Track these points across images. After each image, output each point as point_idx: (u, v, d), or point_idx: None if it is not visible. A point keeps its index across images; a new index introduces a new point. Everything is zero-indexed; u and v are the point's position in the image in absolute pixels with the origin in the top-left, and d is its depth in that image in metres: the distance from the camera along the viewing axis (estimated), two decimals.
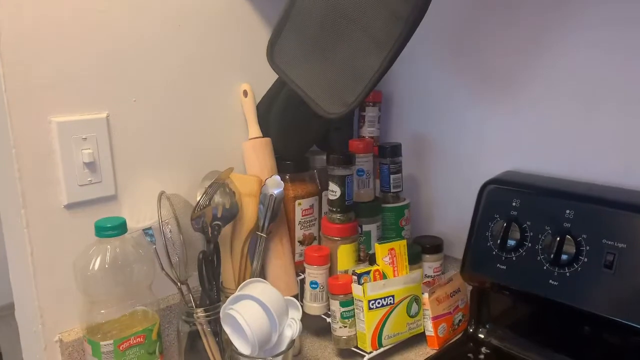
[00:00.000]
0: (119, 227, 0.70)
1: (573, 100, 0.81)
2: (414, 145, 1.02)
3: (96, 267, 0.69)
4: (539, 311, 0.82)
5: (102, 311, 0.71)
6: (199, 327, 0.76)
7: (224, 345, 0.77)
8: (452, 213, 0.99)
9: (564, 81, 0.81)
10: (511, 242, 0.79)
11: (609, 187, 0.78)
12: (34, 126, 0.69)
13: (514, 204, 0.80)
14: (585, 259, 0.72)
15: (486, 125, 0.92)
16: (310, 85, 0.71)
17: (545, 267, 0.75)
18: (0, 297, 1.74)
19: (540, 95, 0.84)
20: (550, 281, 0.74)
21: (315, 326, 0.92)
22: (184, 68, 0.82)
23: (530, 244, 0.77)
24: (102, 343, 0.69)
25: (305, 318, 0.86)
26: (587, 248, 0.72)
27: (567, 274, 0.73)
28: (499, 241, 0.79)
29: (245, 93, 0.89)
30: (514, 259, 0.79)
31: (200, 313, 0.75)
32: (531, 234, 0.77)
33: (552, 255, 0.74)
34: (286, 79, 0.73)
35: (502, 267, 0.80)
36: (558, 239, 0.73)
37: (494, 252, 0.81)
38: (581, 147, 0.81)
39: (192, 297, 0.77)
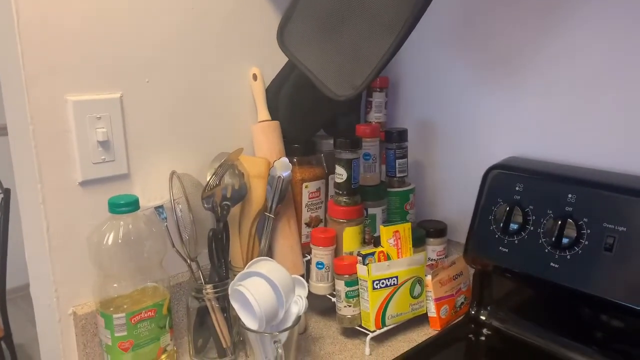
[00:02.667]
0: (132, 204, 0.72)
1: (576, 87, 0.82)
2: (420, 130, 1.04)
3: (110, 242, 0.71)
4: (540, 294, 0.83)
5: (115, 285, 0.73)
6: (208, 303, 0.78)
7: (232, 321, 0.79)
8: (456, 198, 1.01)
9: (569, 68, 0.83)
10: (513, 226, 0.80)
11: (610, 171, 0.79)
12: (50, 104, 0.71)
13: (517, 188, 0.81)
14: (586, 242, 0.73)
15: (491, 111, 0.93)
16: (319, 67, 0.72)
17: (546, 250, 0.77)
18: (9, 280, 1.79)
19: (545, 82, 0.86)
20: (552, 264, 0.76)
21: (320, 306, 0.94)
22: (195, 51, 0.84)
23: (532, 228, 0.79)
24: (114, 316, 0.72)
25: (311, 298, 0.87)
26: (588, 231, 0.73)
27: (568, 257, 0.75)
28: (501, 225, 0.81)
29: (254, 77, 0.90)
30: (516, 242, 0.80)
31: (209, 289, 0.78)
32: (533, 217, 0.79)
33: (553, 239, 0.75)
34: (296, 61, 0.74)
35: (504, 250, 0.81)
36: (559, 222, 0.75)
37: (496, 236, 0.82)
38: (583, 133, 0.83)
39: (202, 274, 0.79)
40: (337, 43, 0.71)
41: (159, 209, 0.77)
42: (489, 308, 0.89)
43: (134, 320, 0.73)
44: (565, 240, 0.75)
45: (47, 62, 0.70)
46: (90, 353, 0.77)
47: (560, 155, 0.86)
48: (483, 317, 0.89)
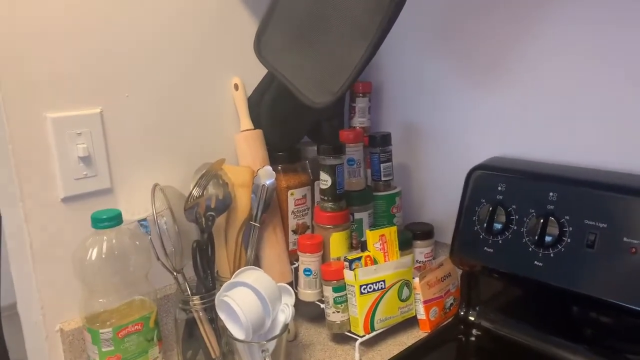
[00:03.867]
0: (115, 219, 0.72)
1: (557, 88, 0.83)
2: (405, 134, 1.04)
3: (93, 257, 0.71)
4: (526, 292, 0.84)
5: (101, 300, 0.73)
6: (195, 315, 0.78)
7: (220, 331, 0.79)
8: (442, 199, 1.01)
9: (550, 67, 0.83)
10: (497, 226, 0.81)
11: (591, 169, 0.80)
12: (29, 122, 0.71)
13: (499, 188, 0.82)
14: (569, 240, 0.74)
15: (475, 112, 0.93)
16: (296, 76, 0.73)
17: (530, 249, 0.77)
18: (6, 297, 1.78)
19: (526, 83, 0.86)
20: (536, 262, 0.76)
21: (310, 313, 0.94)
22: (175, 63, 0.84)
23: (515, 227, 0.79)
24: (101, 331, 0.72)
25: (300, 305, 0.88)
26: (570, 229, 0.74)
27: (552, 255, 0.75)
28: (485, 225, 0.81)
29: (236, 86, 0.91)
30: (500, 242, 0.81)
31: (196, 301, 0.78)
32: (516, 217, 0.79)
33: (536, 237, 0.76)
34: (273, 70, 0.75)
35: (489, 250, 0.82)
36: (542, 221, 0.75)
37: (481, 236, 0.83)
38: (565, 132, 0.83)
39: (188, 285, 0.79)
40: (313, 50, 0.72)
41: (142, 222, 0.77)
42: (477, 309, 0.89)
43: (121, 335, 0.73)
44: (548, 239, 0.75)
45: (25, 79, 0.70)
46: None
47: (542, 155, 0.86)
48: (472, 318, 0.89)
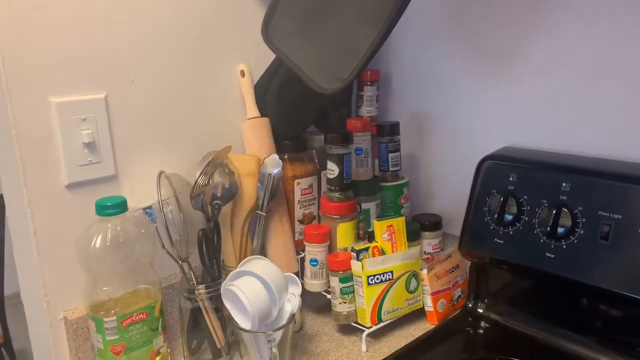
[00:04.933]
0: (119, 206, 0.71)
1: (571, 75, 0.81)
2: (413, 123, 1.03)
3: (97, 244, 0.70)
4: (537, 285, 0.82)
5: (105, 288, 0.72)
6: (201, 304, 0.77)
7: (226, 321, 0.78)
8: (451, 190, 1.00)
9: (563, 54, 0.81)
10: (508, 217, 0.79)
11: (605, 159, 0.78)
12: (33, 107, 0.70)
13: (510, 178, 0.80)
14: (582, 231, 0.72)
15: (484, 101, 0.92)
16: (305, 61, 0.71)
17: (542, 240, 0.76)
18: (9, 286, 1.78)
19: (538, 70, 0.84)
20: (547, 254, 0.75)
21: (316, 303, 0.93)
22: (181, 49, 0.83)
23: (527, 218, 0.78)
24: (105, 319, 0.71)
25: (306, 295, 0.87)
26: (583, 220, 0.72)
27: (564, 247, 0.74)
28: (496, 216, 0.80)
29: (242, 73, 0.89)
30: (511, 233, 0.79)
31: (201, 290, 0.77)
32: (528, 207, 0.78)
33: (548, 228, 0.74)
34: (281, 56, 0.73)
35: (499, 241, 0.80)
36: (554, 211, 0.74)
37: (491, 227, 0.81)
38: (577, 121, 0.81)
39: (194, 274, 0.78)
40: (323, 35, 0.70)
41: (147, 210, 0.75)
42: (486, 301, 0.88)
43: (126, 323, 0.72)
44: (560, 230, 0.74)
45: (29, 64, 0.69)
46: (82, 358, 0.76)
47: (554, 145, 0.84)
48: (480, 310, 0.88)
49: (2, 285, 1.77)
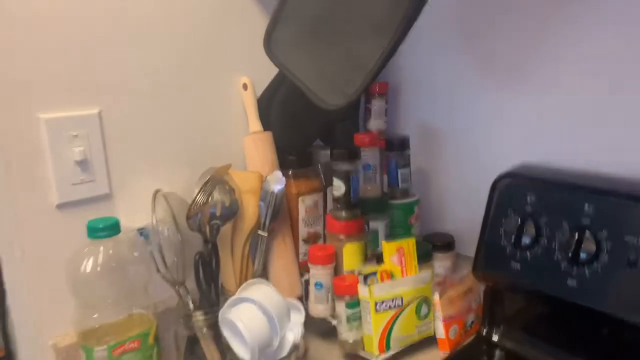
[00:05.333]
0: (112, 228, 0.67)
1: (592, 87, 0.76)
2: (423, 137, 0.98)
3: (88, 269, 0.66)
4: (556, 313, 0.77)
5: (95, 315, 0.68)
6: (198, 332, 0.73)
7: (225, 349, 0.74)
8: (464, 209, 0.95)
9: (583, 64, 0.76)
10: (526, 240, 0.74)
11: (631, 179, 0.73)
12: (21, 124, 0.67)
13: (528, 199, 0.75)
14: (607, 257, 0.67)
15: (500, 115, 0.87)
16: (308, 75, 0.67)
17: (562, 266, 0.71)
18: None
19: (557, 83, 0.80)
20: (569, 281, 0.70)
21: (321, 328, 0.88)
22: (181, 61, 0.79)
23: (546, 241, 0.73)
24: (95, 349, 0.67)
25: (311, 320, 0.83)
26: (609, 245, 0.67)
27: (587, 274, 0.68)
28: (513, 238, 0.75)
29: (245, 86, 0.86)
30: (529, 257, 0.74)
31: (198, 317, 0.73)
32: (547, 230, 0.73)
33: (570, 253, 0.69)
34: (284, 69, 0.69)
35: (516, 265, 0.75)
36: (576, 235, 0.69)
37: (508, 250, 0.76)
38: (601, 138, 0.77)
39: (191, 299, 0.74)
40: (328, 48, 0.66)
41: (142, 231, 0.72)
42: (501, 327, 0.82)
43: (117, 353, 0.68)
44: (583, 255, 0.68)
45: (17, 79, 0.65)
46: None
47: (575, 163, 0.79)
48: (495, 338, 0.82)
49: (4, 297, 1.75)
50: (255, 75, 0.86)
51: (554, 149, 0.82)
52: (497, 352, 0.81)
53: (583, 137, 0.78)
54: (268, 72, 0.85)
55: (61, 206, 0.70)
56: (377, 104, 0.97)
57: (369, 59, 0.62)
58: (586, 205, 0.70)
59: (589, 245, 0.68)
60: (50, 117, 0.68)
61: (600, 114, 0.76)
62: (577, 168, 0.79)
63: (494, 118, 0.88)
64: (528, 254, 0.74)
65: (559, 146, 0.81)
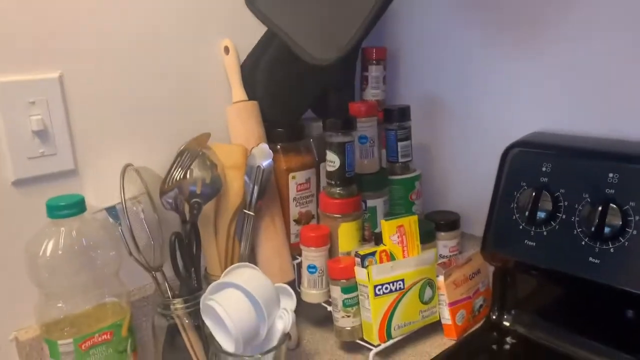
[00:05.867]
0: (75, 206, 0.59)
1: (611, 48, 0.69)
2: (425, 107, 0.91)
3: (47, 253, 0.58)
4: (574, 294, 0.71)
5: (60, 305, 0.60)
6: (178, 321, 0.66)
7: (208, 339, 0.67)
8: (470, 184, 0.89)
9: (601, 22, 0.69)
10: (541, 214, 0.67)
11: None
12: None
13: (544, 169, 0.68)
14: (634, 232, 0.60)
15: (509, 81, 0.80)
16: (296, 28, 0.60)
17: (583, 243, 0.64)
18: None
19: (571, 42, 0.72)
20: (590, 259, 0.63)
21: (315, 315, 0.82)
22: (154, 20, 0.71)
23: (564, 216, 0.66)
24: (59, 342, 0.59)
25: (304, 307, 0.76)
26: (636, 218, 0.60)
27: (611, 250, 0.62)
28: (526, 213, 0.68)
29: (226, 50, 0.78)
30: (545, 233, 0.67)
31: (178, 305, 0.65)
32: (565, 203, 0.66)
33: (592, 228, 0.63)
34: (268, 23, 0.62)
35: (530, 243, 0.69)
36: (600, 208, 0.62)
37: (520, 227, 0.69)
38: (621, 100, 0.69)
39: (169, 286, 0.67)
40: None
41: (110, 210, 0.64)
42: (512, 312, 0.76)
43: (85, 347, 0.60)
44: (607, 230, 0.62)
45: None
46: None
47: (593, 129, 0.72)
48: (506, 323, 0.76)
49: None
50: (238, 37, 0.78)
51: (571, 116, 0.75)
52: (509, 339, 0.74)
53: (602, 102, 0.71)
54: (252, 33, 0.78)
55: (18, 183, 0.63)
56: (374, 72, 0.90)
57: (363, 6, 0.54)
58: (610, 174, 0.63)
59: (614, 219, 0.62)
60: (3, 80, 0.60)
61: (622, 77, 0.69)
62: (597, 134, 0.72)
63: (504, 84, 0.81)
64: (544, 230, 0.68)
65: (575, 112, 0.74)
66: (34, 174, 0.63)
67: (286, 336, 0.63)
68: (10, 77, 0.60)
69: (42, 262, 0.58)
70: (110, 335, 0.62)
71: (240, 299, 0.60)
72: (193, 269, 0.67)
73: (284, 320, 0.63)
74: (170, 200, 0.65)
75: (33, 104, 0.62)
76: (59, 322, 0.61)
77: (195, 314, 0.66)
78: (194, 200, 0.68)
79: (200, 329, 0.66)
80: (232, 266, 0.65)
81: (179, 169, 0.66)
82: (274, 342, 0.62)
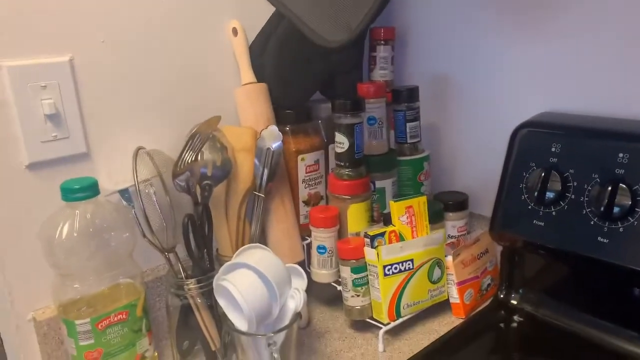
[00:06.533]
0: (89, 189, 0.60)
1: (623, 24, 0.68)
2: (434, 88, 0.90)
3: (63, 235, 0.59)
4: (582, 274, 0.71)
5: (76, 285, 0.62)
6: (191, 301, 0.67)
7: (221, 318, 0.68)
8: (478, 165, 0.88)
9: (610, 1, 0.68)
10: (550, 194, 0.67)
11: None
12: None
13: (553, 149, 0.68)
14: None
15: (518, 60, 0.79)
16: (306, 10, 0.59)
17: (592, 222, 0.64)
18: None
19: (581, 21, 0.71)
20: (599, 238, 0.63)
21: (325, 295, 0.83)
22: (162, 3, 0.71)
23: (573, 196, 0.66)
24: (77, 322, 0.61)
25: (314, 286, 0.77)
26: None
27: (621, 230, 0.62)
28: (535, 193, 0.68)
29: (234, 31, 0.77)
30: (553, 213, 0.67)
31: (191, 285, 0.66)
32: (575, 183, 0.66)
33: (602, 208, 0.63)
34: (278, 5, 0.61)
35: (539, 223, 0.69)
36: (609, 188, 0.62)
37: (529, 207, 0.69)
38: (631, 80, 0.69)
39: (182, 266, 0.68)
40: None
41: (123, 192, 0.65)
42: (520, 291, 0.77)
43: (101, 326, 0.62)
44: (616, 210, 0.62)
45: None
46: None
47: (603, 109, 0.72)
48: (514, 302, 0.77)
49: None
50: (247, 18, 0.78)
51: (580, 96, 0.74)
52: (516, 317, 0.75)
53: (611, 81, 0.70)
54: (261, 14, 0.77)
55: (32, 166, 0.63)
56: (382, 52, 0.89)
57: None
58: (620, 154, 0.63)
59: (624, 199, 0.62)
60: (14, 64, 0.60)
61: (634, 55, 0.68)
62: (606, 114, 0.71)
63: (513, 63, 0.80)
64: (553, 210, 0.68)
65: (585, 92, 0.73)
66: (47, 157, 0.64)
67: (297, 315, 0.64)
68: (21, 61, 0.60)
69: (58, 244, 0.59)
70: (126, 315, 0.64)
71: (252, 279, 0.61)
72: (205, 250, 0.67)
73: (295, 299, 0.63)
74: (182, 183, 0.66)
75: (44, 87, 0.62)
76: (75, 302, 0.62)
77: (208, 294, 0.67)
78: (205, 182, 0.69)
79: (213, 308, 0.68)
80: (244, 247, 0.65)
81: (190, 152, 0.66)
82: (286, 321, 0.63)
